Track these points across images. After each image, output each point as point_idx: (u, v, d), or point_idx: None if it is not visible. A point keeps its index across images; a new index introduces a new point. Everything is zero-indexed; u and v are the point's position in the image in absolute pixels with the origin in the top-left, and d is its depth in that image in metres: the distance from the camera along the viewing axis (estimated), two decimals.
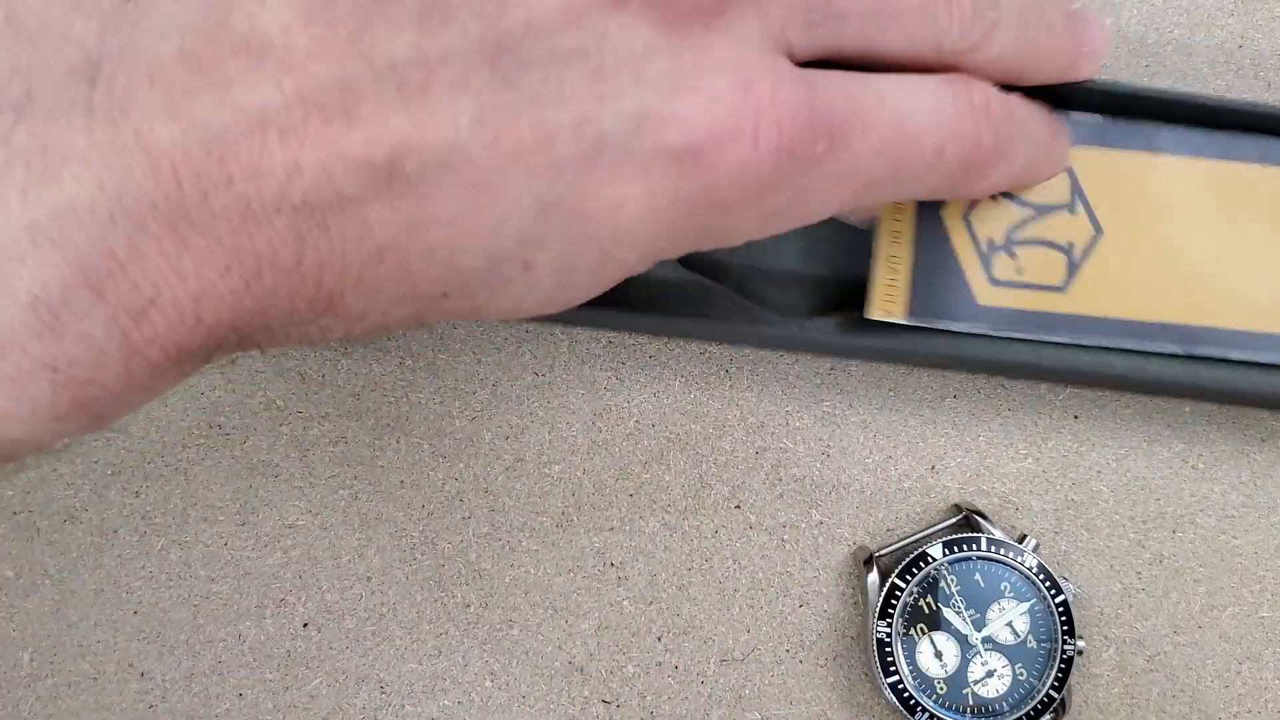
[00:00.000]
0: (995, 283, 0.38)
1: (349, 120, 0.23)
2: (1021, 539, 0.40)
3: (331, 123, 0.23)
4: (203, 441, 0.40)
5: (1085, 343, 0.38)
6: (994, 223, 0.39)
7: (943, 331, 0.38)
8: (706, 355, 0.41)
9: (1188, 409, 0.42)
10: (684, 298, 0.40)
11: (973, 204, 0.38)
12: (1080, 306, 0.38)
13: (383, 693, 0.40)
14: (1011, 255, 0.39)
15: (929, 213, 0.38)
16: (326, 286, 0.24)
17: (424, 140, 0.24)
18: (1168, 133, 0.38)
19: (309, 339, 0.26)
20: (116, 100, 0.22)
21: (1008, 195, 0.38)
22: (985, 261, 0.38)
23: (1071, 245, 0.38)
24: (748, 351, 0.41)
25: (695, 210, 0.27)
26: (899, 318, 0.38)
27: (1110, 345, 0.38)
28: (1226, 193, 0.39)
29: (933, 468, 0.41)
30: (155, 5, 0.23)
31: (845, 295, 0.39)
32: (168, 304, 0.23)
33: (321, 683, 0.40)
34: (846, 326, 0.40)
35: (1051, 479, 0.42)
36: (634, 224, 0.27)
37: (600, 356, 0.41)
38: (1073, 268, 0.38)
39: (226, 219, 0.23)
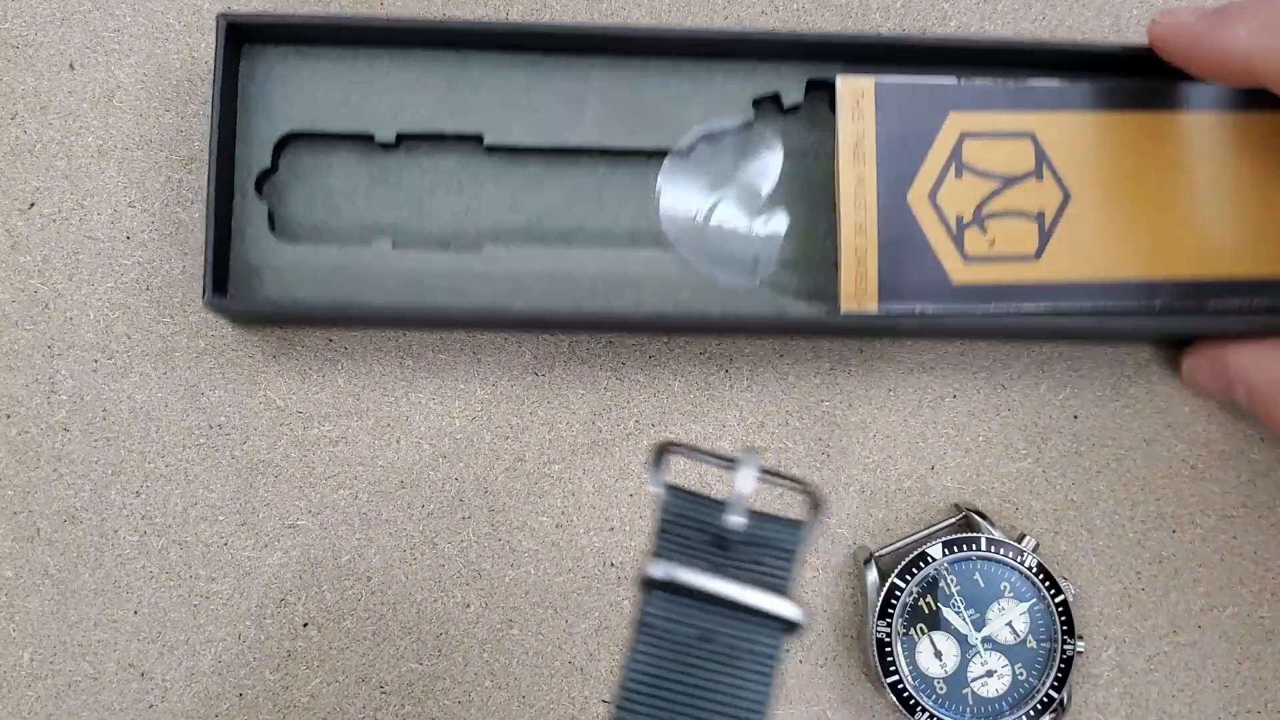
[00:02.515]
0: (969, 259, 0.39)
1: None
2: (1021, 539, 0.39)
3: None
4: (203, 441, 0.40)
5: (1059, 308, 0.39)
6: (963, 199, 0.39)
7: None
8: (706, 355, 0.41)
9: (1187, 409, 0.42)
10: (703, 291, 0.40)
11: (938, 183, 0.39)
12: (1053, 273, 0.39)
13: (383, 693, 0.40)
14: (983, 229, 0.39)
15: (893, 199, 0.39)
16: None
17: None
18: (1122, 90, 0.39)
19: None
20: None
21: (974, 170, 0.39)
22: (957, 240, 0.39)
23: (1042, 213, 0.39)
24: (747, 351, 0.41)
25: None
26: (872, 309, 0.38)
27: (1082, 309, 0.39)
28: (1180, 141, 0.39)
29: (933, 468, 0.41)
30: None
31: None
32: None
33: (321, 683, 0.40)
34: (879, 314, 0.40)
35: (1051, 479, 0.41)
36: None
37: (600, 356, 0.41)
38: (1044, 235, 0.39)
39: None
